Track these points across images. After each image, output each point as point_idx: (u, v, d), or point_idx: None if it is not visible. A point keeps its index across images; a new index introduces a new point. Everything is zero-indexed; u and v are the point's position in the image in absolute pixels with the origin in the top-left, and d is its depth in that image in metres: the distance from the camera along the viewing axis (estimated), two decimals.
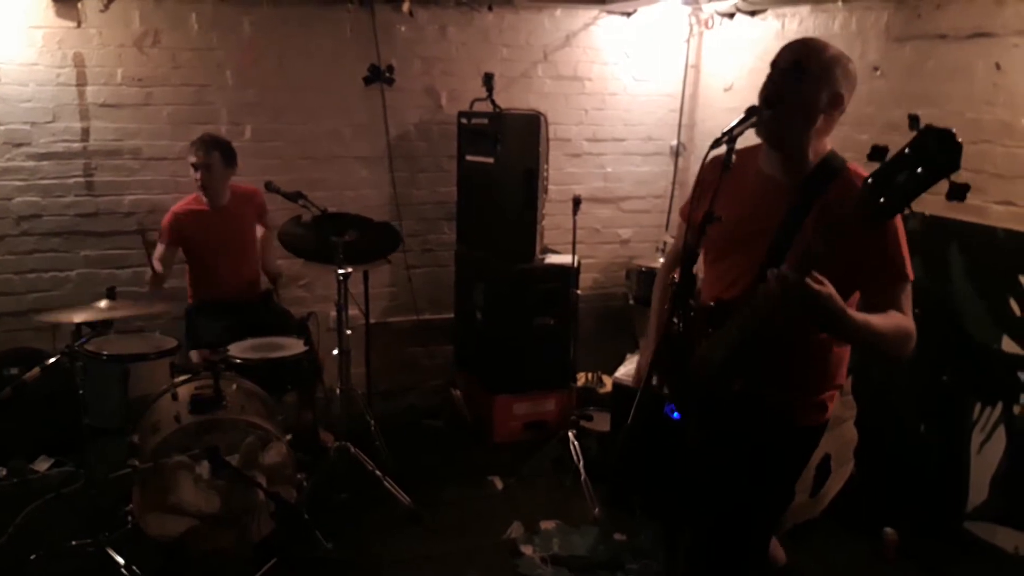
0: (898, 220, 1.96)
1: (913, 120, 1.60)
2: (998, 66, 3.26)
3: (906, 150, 1.60)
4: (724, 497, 2.23)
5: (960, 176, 1.60)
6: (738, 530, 2.25)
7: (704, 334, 2.13)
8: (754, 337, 1.98)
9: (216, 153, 3.91)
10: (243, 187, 4.12)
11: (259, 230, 4.19)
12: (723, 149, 1.99)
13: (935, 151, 1.56)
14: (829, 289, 1.79)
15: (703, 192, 2.15)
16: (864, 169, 2.06)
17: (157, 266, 3.76)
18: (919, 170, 1.58)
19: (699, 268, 2.20)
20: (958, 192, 1.57)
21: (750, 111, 2.04)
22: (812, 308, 1.80)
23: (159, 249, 3.93)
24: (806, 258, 1.79)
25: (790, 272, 1.79)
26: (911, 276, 2.00)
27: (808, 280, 1.77)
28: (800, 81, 2.02)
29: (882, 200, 1.64)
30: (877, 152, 1.66)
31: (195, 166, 3.90)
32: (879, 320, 1.94)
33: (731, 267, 2.18)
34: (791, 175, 2.10)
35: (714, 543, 2.28)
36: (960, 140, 1.54)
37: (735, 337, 2.02)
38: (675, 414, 2.20)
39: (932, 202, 3.41)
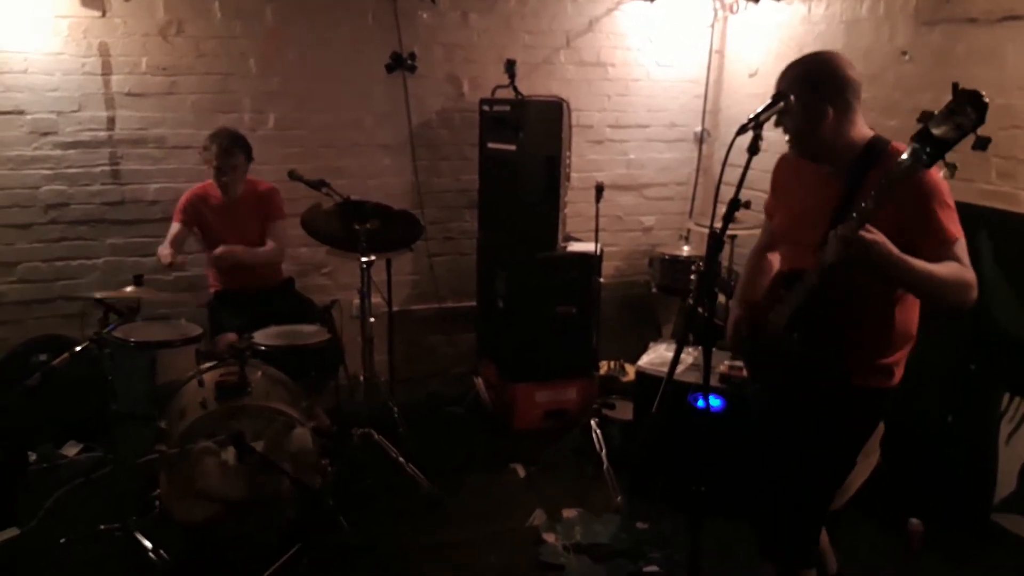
0: (939, 185, 2.09)
1: (954, 86, 1.90)
2: None
3: (944, 110, 1.88)
4: (790, 460, 2.37)
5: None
6: (802, 491, 2.38)
7: (778, 298, 2.31)
8: (817, 294, 2.15)
9: (242, 156, 3.93)
10: (260, 183, 4.10)
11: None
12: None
13: (965, 107, 1.85)
14: (880, 236, 1.96)
15: (774, 189, 2.51)
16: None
17: (165, 252, 3.82)
18: (954, 124, 1.86)
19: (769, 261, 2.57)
20: (982, 143, 1.96)
21: (777, 96, 2.10)
22: (867, 256, 1.97)
23: (174, 228, 3.96)
24: (859, 213, 1.96)
25: (845, 227, 1.97)
26: (960, 234, 2.12)
27: (861, 231, 1.94)
28: (779, 106, 2.19)
29: (926, 152, 1.90)
30: (925, 115, 1.93)
31: (221, 168, 3.88)
32: (937, 267, 2.05)
33: (800, 249, 2.30)
34: (837, 165, 2.23)
35: (782, 505, 2.42)
36: (987, 99, 1.84)
37: (800, 295, 2.20)
38: (699, 403, 2.23)
39: (962, 189, 3.38)
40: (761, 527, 2.55)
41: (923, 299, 2.25)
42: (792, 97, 2.14)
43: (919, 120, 1.92)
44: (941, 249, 2.08)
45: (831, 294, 2.13)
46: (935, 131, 1.88)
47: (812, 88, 2.15)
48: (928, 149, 1.90)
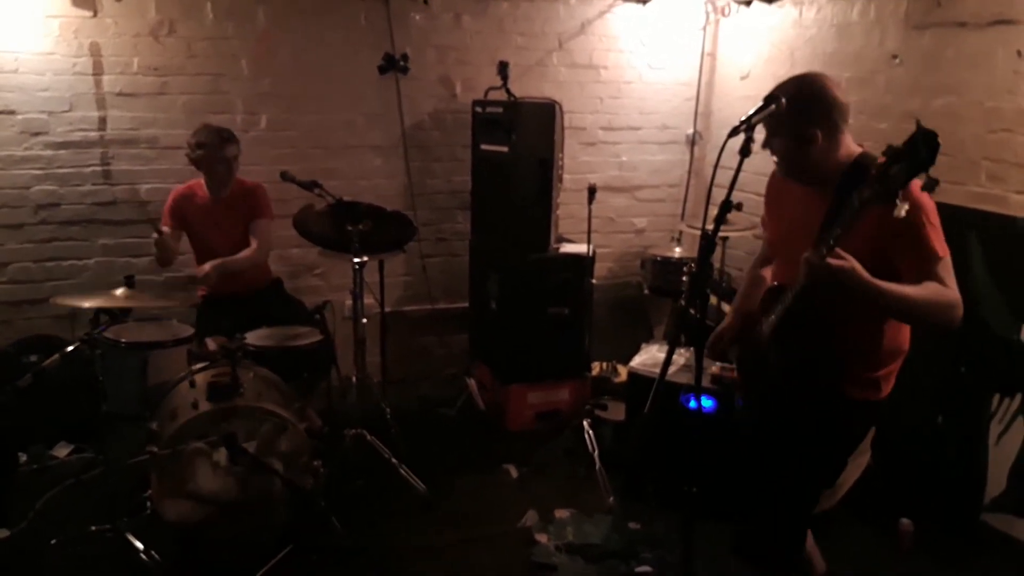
0: (922, 204, 2.07)
1: (917, 123, 1.87)
2: (1020, 53, 3.22)
3: (902, 146, 1.89)
4: (776, 469, 2.39)
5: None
6: (785, 499, 2.41)
7: (768, 312, 2.34)
8: (796, 311, 2.18)
9: (236, 147, 3.92)
10: (246, 181, 4.07)
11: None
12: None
13: (920, 148, 1.85)
14: (851, 263, 1.97)
15: (767, 203, 2.55)
16: None
17: (165, 231, 3.78)
18: (907, 163, 1.86)
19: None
20: (930, 185, 1.96)
21: (768, 99, 2.10)
22: (836, 281, 1.98)
23: (166, 230, 3.93)
24: (825, 239, 1.97)
25: (812, 253, 1.99)
26: (944, 253, 2.10)
27: (829, 258, 1.96)
28: (771, 108, 2.14)
29: (882, 185, 1.90)
30: (888, 150, 1.93)
31: (219, 159, 3.85)
32: (913, 289, 2.05)
33: (789, 263, 2.29)
34: (822, 184, 2.23)
35: (767, 512, 2.45)
36: (939, 141, 1.84)
37: (781, 309, 2.23)
38: (691, 404, 2.25)
39: (952, 191, 3.41)
40: (745, 536, 2.56)
41: (900, 321, 2.25)
42: (784, 100, 2.14)
43: (883, 154, 1.92)
44: (923, 269, 2.07)
45: (813, 311, 2.15)
46: (891, 169, 1.88)
47: (800, 112, 2.14)
48: (884, 186, 1.90)
